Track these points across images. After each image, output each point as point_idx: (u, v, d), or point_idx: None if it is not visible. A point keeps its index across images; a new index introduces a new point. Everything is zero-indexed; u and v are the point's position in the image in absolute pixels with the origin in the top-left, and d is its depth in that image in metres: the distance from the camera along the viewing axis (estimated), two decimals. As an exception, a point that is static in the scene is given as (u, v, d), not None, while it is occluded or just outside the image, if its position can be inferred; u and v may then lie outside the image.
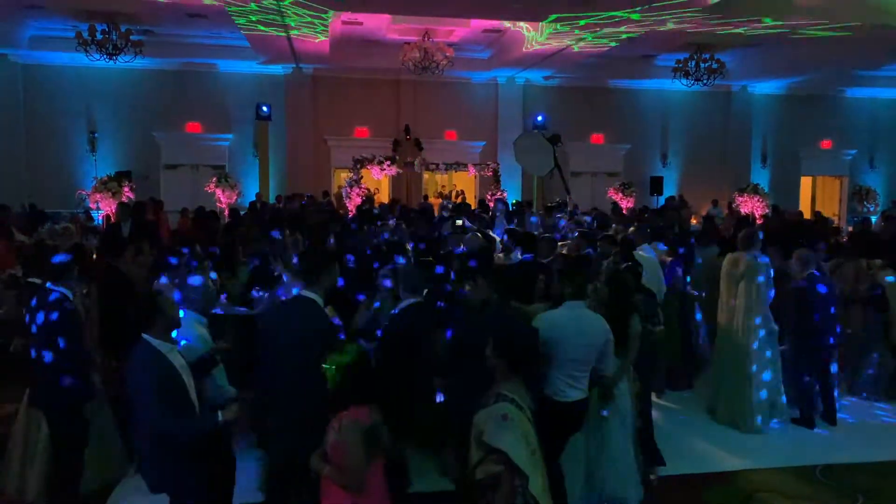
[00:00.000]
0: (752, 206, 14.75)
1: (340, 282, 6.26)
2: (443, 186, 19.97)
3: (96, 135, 16.45)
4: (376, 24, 14.38)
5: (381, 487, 3.24)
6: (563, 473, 4.29)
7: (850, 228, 12.30)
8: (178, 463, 3.38)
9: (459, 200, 16.29)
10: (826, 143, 20.21)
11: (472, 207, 14.06)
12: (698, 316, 7.78)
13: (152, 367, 3.34)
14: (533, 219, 10.34)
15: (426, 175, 17.74)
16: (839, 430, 6.43)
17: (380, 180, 17.40)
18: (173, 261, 5.80)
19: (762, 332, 6.32)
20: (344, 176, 16.09)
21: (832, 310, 6.40)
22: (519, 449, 3.11)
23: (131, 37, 13.30)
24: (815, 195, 20.98)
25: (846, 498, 5.09)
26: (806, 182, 20.78)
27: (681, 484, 5.19)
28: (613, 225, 10.14)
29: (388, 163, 15.17)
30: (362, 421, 3.17)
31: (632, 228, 9.94)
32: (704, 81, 15.07)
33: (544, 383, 4.16)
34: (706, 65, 14.92)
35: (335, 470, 3.17)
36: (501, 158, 17.26)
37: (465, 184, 19.00)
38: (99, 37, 13.06)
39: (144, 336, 3.43)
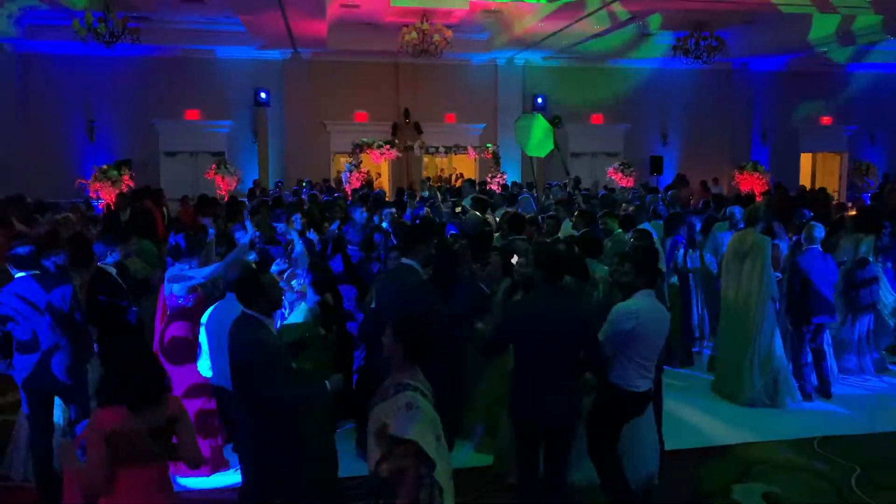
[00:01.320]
0: (751, 184, 14.74)
1: (340, 266, 6.33)
2: (442, 170, 19.96)
3: (95, 123, 16.44)
4: (374, 6, 14.30)
5: (133, 496, 2.93)
6: (620, 461, 4.29)
7: (850, 205, 12.31)
8: (278, 433, 3.51)
9: (460, 184, 16.31)
10: (826, 120, 20.12)
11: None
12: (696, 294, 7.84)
13: (259, 338, 3.47)
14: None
15: (426, 159, 17.74)
16: (837, 402, 6.51)
17: (379, 164, 17.42)
18: (182, 244, 5.80)
19: (768, 308, 6.37)
20: (343, 161, 16.10)
21: (827, 284, 6.44)
22: (428, 436, 2.97)
23: (128, 24, 13.25)
24: (816, 172, 20.94)
25: (843, 469, 5.17)
26: (806, 159, 20.73)
27: (679, 458, 5.25)
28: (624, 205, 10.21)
29: (388, 147, 15.16)
30: (109, 424, 2.87)
31: (632, 208, 10.02)
32: (704, 59, 14.99)
33: (614, 372, 4.11)
34: (706, 42, 14.83)
35: (82, 468, 2.94)
36: (501, 140, 17.23)
37: (466, 167, 18.99)
38: (95, 24, 13.01)
39: (246, 310, 3.56)
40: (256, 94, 16.33)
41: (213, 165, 15.62)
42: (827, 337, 6.74)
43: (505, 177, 15.91)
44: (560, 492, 4.07)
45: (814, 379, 6.59)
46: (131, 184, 13.93)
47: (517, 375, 3.99)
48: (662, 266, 6.85)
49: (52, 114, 16.18)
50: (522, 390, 3.93)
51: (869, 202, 13.52)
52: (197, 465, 3.12)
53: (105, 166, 14.07)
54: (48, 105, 16.14)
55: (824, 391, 6.57)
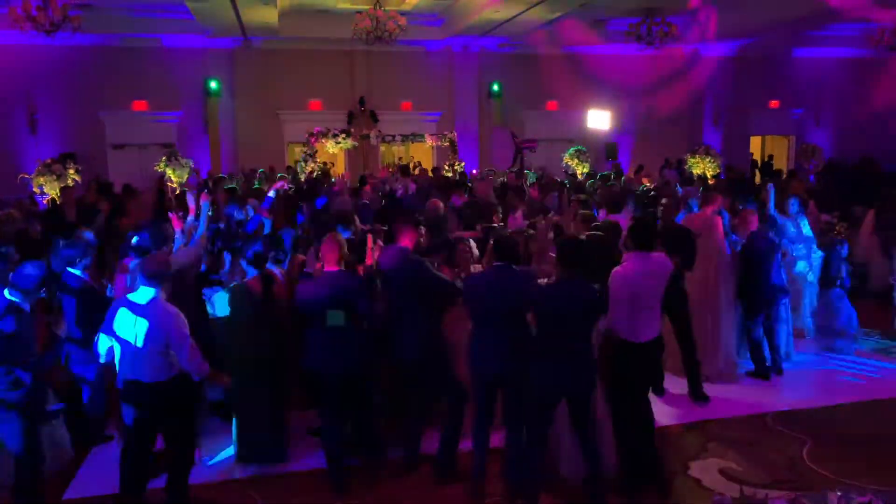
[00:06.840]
0: (703, 167, 15.06)
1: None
2: (399, 158, 19.81)
3: (37, 116, 15.83)
4: (325, -8, 14.08)
5: None
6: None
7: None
8: None
9: (418, 172, 16.23)
10: (774, 103, 20.64)
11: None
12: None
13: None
14: None
15: (383, 147, 17.59)
16: (791, 378, 6.69)
17: (335, 154, 17.20)
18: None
19: (722, 288, 6.49)
20: (298, 150, 15.86)
21: (773, 264, 6.59)
22: None
23: (69, 12, 12.73)
24: (765, 154, 21.49)
25: (795, 442, 5.33)
26: (756, 141, 21.26)
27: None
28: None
29: (344, 136, 14.96)
30: None
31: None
32: (656, 45, 15.17)
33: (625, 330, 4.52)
34: (658, 28, 15.02)
35: None
36: (458, 128, 17.18)
37: (423, 155, 18.90)
38: (34, 12, 12.48)
39: (513, 266, 4.46)
40: (206, 83, 15.91)
41: (163, 157, 15.19)
42: (782, 312, 6.89)
43: (462, 165, 15.89)
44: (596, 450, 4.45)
45: (768, 356, 6.75)
46: (78, 178, 13.47)
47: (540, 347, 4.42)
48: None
49: (-10, 106, 15.52)
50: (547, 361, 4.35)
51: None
52: None
53: (49, 160, 13.57)
54: (-14, 97, 15.46)
55: (776, 368, 6.73)
